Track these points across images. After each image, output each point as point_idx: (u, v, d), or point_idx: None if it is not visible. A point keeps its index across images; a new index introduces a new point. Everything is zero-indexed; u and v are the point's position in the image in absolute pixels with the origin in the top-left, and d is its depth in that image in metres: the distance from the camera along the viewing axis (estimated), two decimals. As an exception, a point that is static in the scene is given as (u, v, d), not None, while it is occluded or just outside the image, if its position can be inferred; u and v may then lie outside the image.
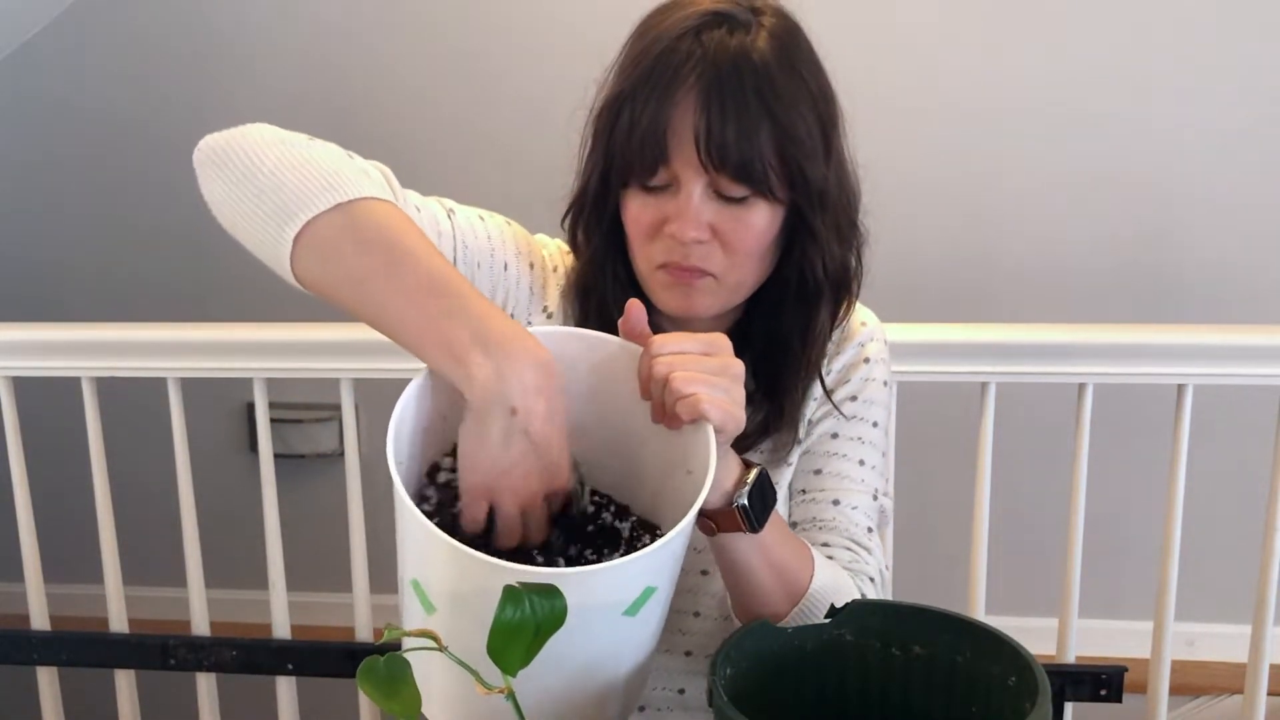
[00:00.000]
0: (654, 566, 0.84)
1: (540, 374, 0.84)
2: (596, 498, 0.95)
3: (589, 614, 0.77)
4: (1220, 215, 2.30)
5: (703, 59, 0.97)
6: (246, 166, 0.90)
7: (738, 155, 0.97)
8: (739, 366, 0.91)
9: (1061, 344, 1.71)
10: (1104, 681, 1.70)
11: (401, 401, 0.87)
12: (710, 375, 0.88)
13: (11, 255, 2.59)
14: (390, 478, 0.83)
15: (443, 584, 0.83)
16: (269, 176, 0.89)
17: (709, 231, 1.01)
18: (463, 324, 0.84)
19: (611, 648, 0.87)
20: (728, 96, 0.96)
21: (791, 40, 1.01)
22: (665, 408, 0.89)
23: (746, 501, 0.93)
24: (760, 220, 1.01)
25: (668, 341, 0.90)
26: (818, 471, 1.14)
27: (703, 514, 0.94)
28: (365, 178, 0.92)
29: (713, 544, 0.99)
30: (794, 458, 1.14)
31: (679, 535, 0.83)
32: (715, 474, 0.88)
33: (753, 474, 0.95)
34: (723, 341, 0.92)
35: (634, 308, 0.92)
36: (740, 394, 0.90)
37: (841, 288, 1.10)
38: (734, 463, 0.95)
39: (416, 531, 0.82)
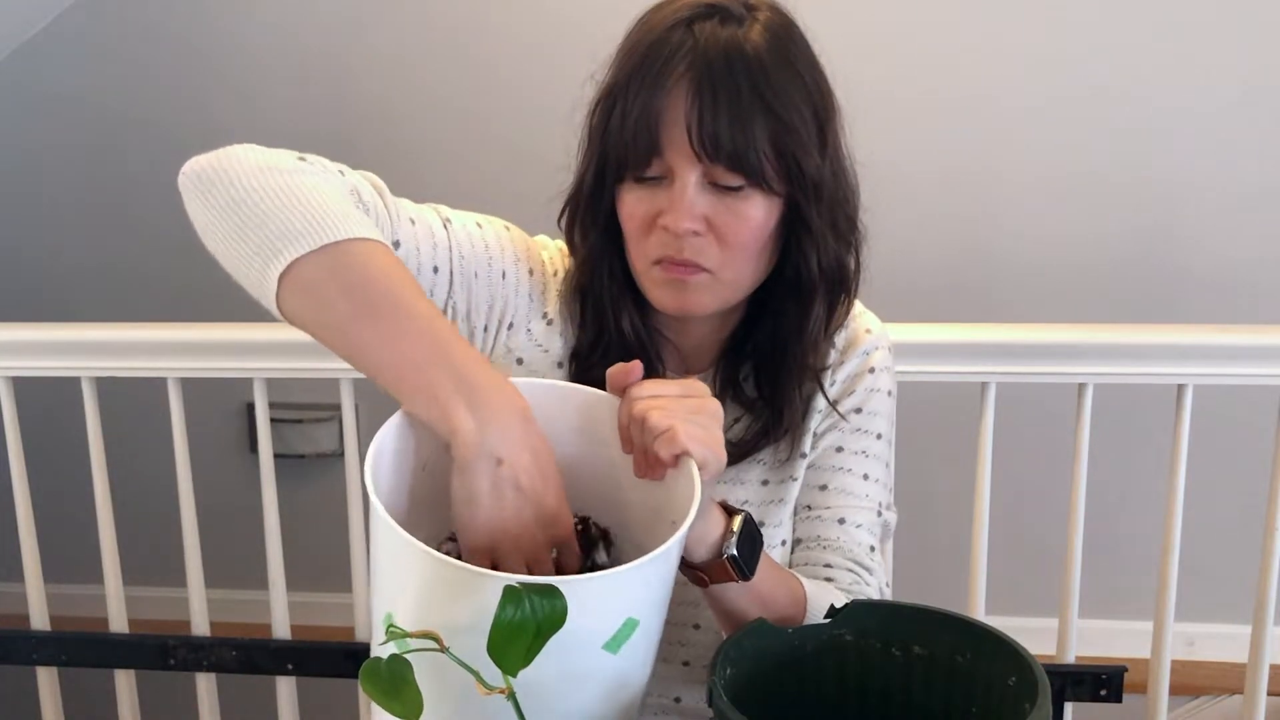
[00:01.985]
0: (630, 593, 0.82)
1: (523, 426, 0.85)
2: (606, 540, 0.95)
3: (567, 641, 0.75)
4: (1221, 214, 2.30)
5: (694, 49, 0.97)
6: (231, 196, 0.88)
7: (731, 144, 0.96)
8: (716, 406, 0.91)
9: (1061, 344, 1.71)
10: (1104, 681, 1.70)
11: (379, 436, 0.86)
12: (688, 413, 0.88)
13: (12, 254, 2.59)
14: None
15: (410, 604, 0.81)
16: (253, 209, 0.87)
17: (704, 223, 0.99)
18: (446, 373, 0.84)
19: (599, 691, 0.83)
20: (719, 85, 0.95)
21: (786, 35, 1.00)
22: (646, 453, 0.88)
23: (736, 551, 0.93)
24: (756, 213, 1.00)
25: (645, 386, 0.90)
26: (823, 487, 1.13)
27: (694, 567, 0.95)
28: (354, 211, 0.90)
29: (704, 593, 0.99)
30: (799, 472, 1.13)
31: (652, 562, 0.81)
32: (700, 528, 0.89)
33: (738, 521, 0.94)
34: (700, 385, 0.92)
35: (636, 364, 0.92)
36: (719, 433, 0.90)
37: (838, 286, 1.08)
38: (718, 514, 0.94)
39: (386, 545, 0.81)
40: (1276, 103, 2.26)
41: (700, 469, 0.87)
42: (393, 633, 0.75)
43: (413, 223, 1.01)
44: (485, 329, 1.07)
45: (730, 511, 0.95)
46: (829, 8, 2.23)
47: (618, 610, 0.81)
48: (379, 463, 0.85)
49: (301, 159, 0.93)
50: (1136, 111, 2.28)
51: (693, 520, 0.84)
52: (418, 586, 0.80)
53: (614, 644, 0.81)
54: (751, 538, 0.95)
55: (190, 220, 0.92)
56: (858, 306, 1.16)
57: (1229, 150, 2.28)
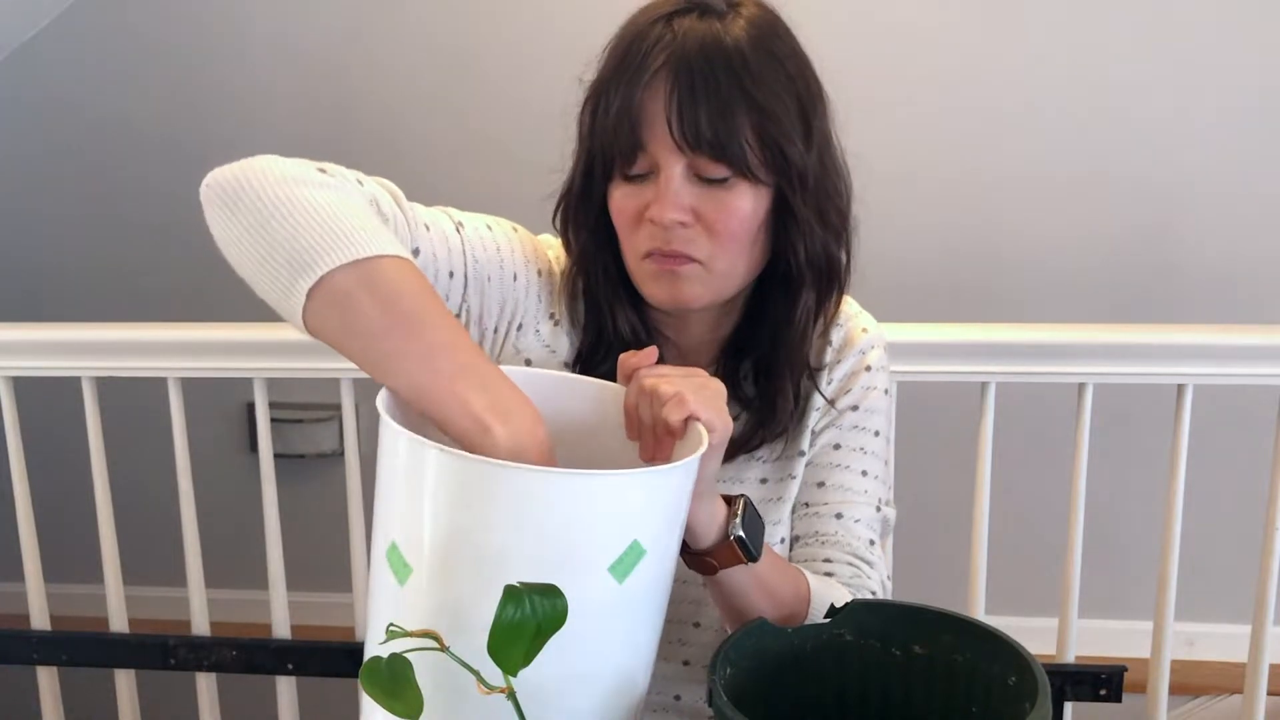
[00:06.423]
0: (633, 508, 0.81)
1: (541, 449, 0.85)
2: None
3: (574, 558, 0.76)
4: (1221, 214, 2.30)
5: (671, 42, 0.98)
6: (258, 212, 0.87)
7: (712, 133, 0.96)
8: (720, 386, 0.93)
9: (1061, 344, 1.71)
10: (1104, 681, 1.70)
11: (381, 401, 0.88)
12: (694, 387, 0.90)
13: (12, 255, 2.59)
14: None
15: (422, 520, 0.81)
16: (281, 224, 0.86)
17: (691, 214, 1.00)
18: (479, 386, 0.84)
19: (598, 620, 0.82)
20: (697, 76, 0.96)
21: (768, 28, 1.01)
22: (654, 427, 0.90)
23: (742, 532, 0.94)
24: (744, 203, 1.00)
25: (652, 368, 0.93)
26: (820, 484, 1.13)
27: (700, 554, 0.96)
28: (380, 226, 0.90)
29: (711, 588, 1.00)
30: (798, 470, 1.13)
31: (655, 476, 0.81)
32: (703, 515, 0.92)
33: (740, 504, 0.96)
34: (703, 371, 0.94)
35: (650, 350, 0.94)
36: (724, 407, 0.92)
37: (826, 277, 1.08)
38: (720, 501, 0.96)
39: (396, 457, 0.82)
40: (1277, 103, 2.26)
41: (709, 433, 0.88)
42: (392, 632, 0.75)
43: (428, 229, 1.01)
44: (495, 330, 1.07)
45: (731, 499, 0.97)
46: (832, 5, 2.25)
47: (622, 525, 0.81)
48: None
49: (322, 170, 0.93)
50: (1138, 110, 2.28)
51: (700, 457, 0.85)
52: (421, 491, 0.81)
53: (619, 569, 0.80)
54: (753, 520, 0.97)
55: (210, 229, 0.91)
56: (854, 306, 1.17)
57: (1230, 150, 2.28)
